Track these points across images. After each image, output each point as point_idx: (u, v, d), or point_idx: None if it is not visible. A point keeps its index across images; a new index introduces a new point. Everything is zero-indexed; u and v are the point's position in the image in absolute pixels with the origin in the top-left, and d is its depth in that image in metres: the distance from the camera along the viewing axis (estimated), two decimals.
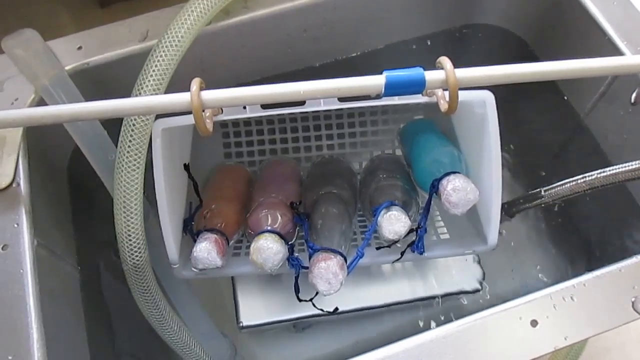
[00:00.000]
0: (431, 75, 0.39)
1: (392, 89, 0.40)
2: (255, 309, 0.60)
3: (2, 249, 0.44)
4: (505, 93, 0.48)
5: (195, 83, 0.39)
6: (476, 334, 0.40)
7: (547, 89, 0.65)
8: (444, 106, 0.43)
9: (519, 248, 0.71)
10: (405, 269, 0.63)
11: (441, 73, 0.39)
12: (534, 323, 0.41)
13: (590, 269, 0.45)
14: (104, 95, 0.40)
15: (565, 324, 0.41)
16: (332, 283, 0.46)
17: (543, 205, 0.54)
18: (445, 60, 0.40)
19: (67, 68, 0.53)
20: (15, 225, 0.46)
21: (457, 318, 0.43)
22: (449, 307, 0.63)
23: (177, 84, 0.47)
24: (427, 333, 0.40)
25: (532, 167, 0.70)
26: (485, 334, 0.41)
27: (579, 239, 0.67)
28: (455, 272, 0.63)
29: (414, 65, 0.40)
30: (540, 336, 0.40)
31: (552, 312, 0.41)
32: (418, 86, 0.40)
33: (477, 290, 0.62)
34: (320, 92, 0.40)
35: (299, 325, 0.65)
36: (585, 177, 0.50)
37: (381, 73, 0.39)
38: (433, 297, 0.61)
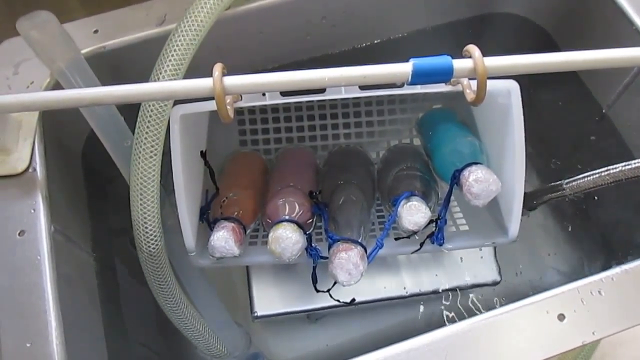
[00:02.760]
0: (459, 64, 0.38)
1: (419, 77, 0.39)
2: (269, 299, 0.60)
3: (19, 234, 0.44)
4: (523, 83, 0.47)
5: (217, 68, 0.38)
6: (502, 327, 0.40)
7: (568, 79, 0.64)
8: (470, 96, 0.42)
9: (535, 239, 0.70)
10: (421, 260, 0.62)
11: (469, 61, 0.38)
12: (561, 317, 0.40)
13: (608, 262, 0.44)
14: (119, 80, 0.39)
15: (593, 319, 0.40)
16: (353, 274, 0.45)
17: (565, 198, 0.53)
18: (473, 48, 0.39)
19: (83, 52, 0.52)
20: (32, 211, 0.45)
21: (474, 310, 0.42)
22: (466, 299, 0.63)
23: (193, 70, 0.46)
24: (453, 326, 0.40)
25: (551, 159, 0.69)
26: (512, 327, 0.40)
27: (596, 232, 0.66)
28: (472, 263, 0.62)
29: (435, 55, 0.39)
30: (568, 330, 0.40)
31: (579, 307, 0.41)
32: (445, 75, 0.39)
33: (496, 283, 0.61)
34: (345, 79, 0.38)
35: (312, 316, 0.65)
36: (609, 169, 0.49)
37: (407, 61, 0.38)
38: (449, 290, 0.61)
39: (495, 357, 0.39)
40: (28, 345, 0.40)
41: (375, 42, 0.65)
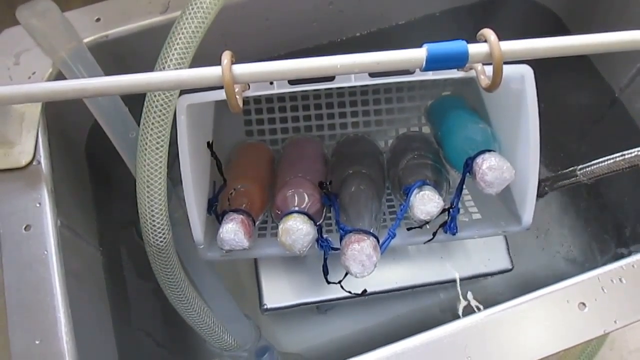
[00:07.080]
0: (474, 49, 0.37)
1: (433, 63, 0.37)
2: (279, 291, 0.59)
3: (25, 229, 0.43)
4: (534, 67, 0.46)
5: (226, 56, 0.37)
6: (522, 317, 0.39)
7: (579, 63, 0.62)
8: (484, 82, 0.41)
9: (545, 226, 0.70)
10: (430, 249, 0.61)
11: (484, 46, 0.37)
12: (581, 306, 0.40)
13: (620, 247, 0.43)
14: (123, 70, 0.38)
15: (615, 307, 0.40)
16: (366, 265, 0.44)
17: (577, 184, 0.53)
18: (488, 32, 0.38)
19: (85, 41, 0.51)
20: (38, 205, 0.44)
21: (486, 298, 0.41)
22: (477, 287, 0.62)
23: (197, 58, 0.44)
24: (472, 317, 0.39)
25: (562, 145, 0.68)
26: (532, 318, 0.39)
27: (608, 218, 0.66)
28: (483, 252, 0.61)
29: (445, 40, 0.38)
30: (589, 319, 0.39)
31: (600, 295, 0.40)
32: (461, 60, 0.38)
33: (508, 270, 0.60)
34: (358, 66, 0.37)
35: (322, 307, 0.64)
36: (624, 154, 0.48)
37: (420, 46, 0.37)
38: (460, 279, 0.60)
39: (516, 348, 0.38)
40: (37, 342, 0.39)
41: (383, 27, 0.64)
